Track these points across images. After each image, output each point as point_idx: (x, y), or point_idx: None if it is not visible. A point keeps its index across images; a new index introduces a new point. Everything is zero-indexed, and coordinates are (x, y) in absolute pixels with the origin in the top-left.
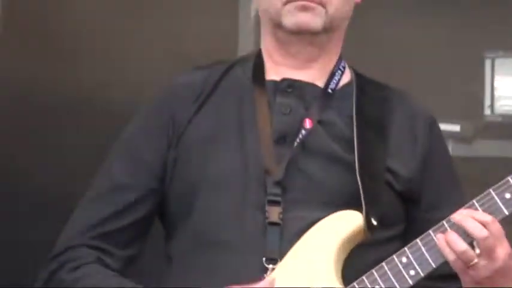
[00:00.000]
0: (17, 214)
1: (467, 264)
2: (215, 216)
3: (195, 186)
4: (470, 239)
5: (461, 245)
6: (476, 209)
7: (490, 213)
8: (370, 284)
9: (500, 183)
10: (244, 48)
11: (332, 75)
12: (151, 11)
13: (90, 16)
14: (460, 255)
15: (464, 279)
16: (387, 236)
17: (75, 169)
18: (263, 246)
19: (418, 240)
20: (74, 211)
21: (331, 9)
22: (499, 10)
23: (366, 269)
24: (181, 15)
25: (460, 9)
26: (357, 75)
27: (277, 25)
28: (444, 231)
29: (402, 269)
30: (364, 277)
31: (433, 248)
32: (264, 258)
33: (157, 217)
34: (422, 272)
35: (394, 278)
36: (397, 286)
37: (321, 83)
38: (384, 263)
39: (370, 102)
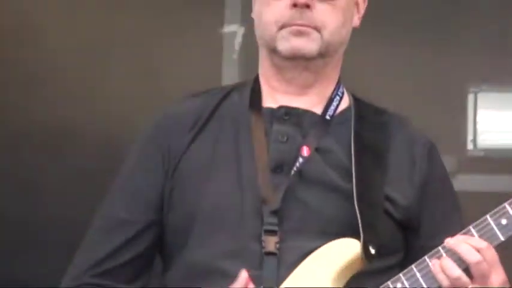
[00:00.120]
0: None
1: None
2: (212, 247)
3: (192, 216)
4: (465, 265)
5: (456, 271)
6: (472, 235)
7: (486, 239)
8: None
9: (497, 209)
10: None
11: (330, 101)
12: (135, 46)
13: (70, 50)
14: (454, 282)
15: None
16: (386, 265)
17: (48, 198)
18: (260, 276)
19: (413, 266)
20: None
21: (327, 34)
22: (481, 44)
23: None
24: (165, 50)
25: (444, 43)
26: (356, 100)
27: (273, 50)
28: (440, 257)
29: None
30: None
31: (428, 274)
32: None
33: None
34: None
35: None
36: None
37: (318, 109)
38: None
39: (369, 129)
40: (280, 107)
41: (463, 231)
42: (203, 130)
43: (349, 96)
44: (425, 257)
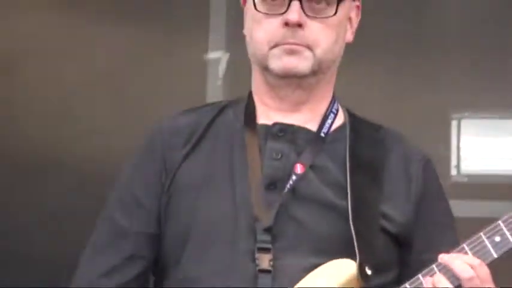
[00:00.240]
0: None
1: None
2: (205, 263)
3: (185, 233)
4: (458, 282)
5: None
6: (466, 252)
7: (479, 257)
8: None
9: (491, 227)
10: None
11: (324, 118)
12: (118, 72)
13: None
14: None
15: None
16: (382, 282)
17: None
18: None
19: (407, 284)
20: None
21: (319, 52)
22: (465, 71)
23: None
24: (149, 76)
25: (427, 69)
26: (351, 116)
27: (265, 68)
28: (433, 275)
29: None
30: None
31: None
32: None
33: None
34: None
35: None
36: None
37: (313, 126)
38: None
39: (364, 145)
40: (275, 124)
41: (457, 249)
42: (197, 146)
43: (344, 112)
44: (419, 275)
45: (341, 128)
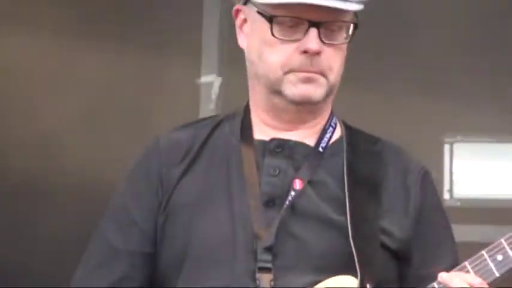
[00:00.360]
0: None
1: None
2: (203, 283)
3: (183, 252)
4: None
5: None
6: (468, 271)
7: (481, 275)
8: None
9: (493, 245)
10: None
11: (323, 133)
12: (112, 96)
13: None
14: None
15: None
16: None
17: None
18: None
19: None
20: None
21: (332, 77)
22: (457, 96)
23: None
24: (142, 100)
25: (419, 93)
26: (347, 129)
27: (276, 92)
28: None
29: None
30: None
31: None
32: None
33: None
34: None
35: None
36: None
37: (311, 141)
38: None
39: (362, 159)
40: (272, 140)
41: (458, 267)
42: (194, 162)
43: (341, 125)
44: None
45: (338, 141)
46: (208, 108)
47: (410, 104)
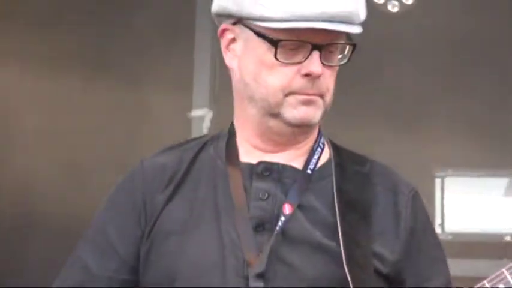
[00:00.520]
0: None
1: None
2: None
3: (171, 278)
4: None
5: None
6: None
7: None
8: None
9: (495, 275)
10: None
11: (311, 154)
12: (104, 129)
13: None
14: None
15: None
16: None
17: None
18: None
19: None
20: None
21: (328, 98)
22: (448, 130)
23: None
24: (134, 134)
25: (410, 127)
26: (335, 150)
27: (273, 115)
28: None
29: None
30: None
31: None
32: None
33: None
34: None
35: None
36: None
37: (298, 163)
38: None
39: (351, 181)
40: (260, 163)
41: None
42: (180, 188)
43: (329, 145)
44: None
45: (326, 164)
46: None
47: (401, 138)
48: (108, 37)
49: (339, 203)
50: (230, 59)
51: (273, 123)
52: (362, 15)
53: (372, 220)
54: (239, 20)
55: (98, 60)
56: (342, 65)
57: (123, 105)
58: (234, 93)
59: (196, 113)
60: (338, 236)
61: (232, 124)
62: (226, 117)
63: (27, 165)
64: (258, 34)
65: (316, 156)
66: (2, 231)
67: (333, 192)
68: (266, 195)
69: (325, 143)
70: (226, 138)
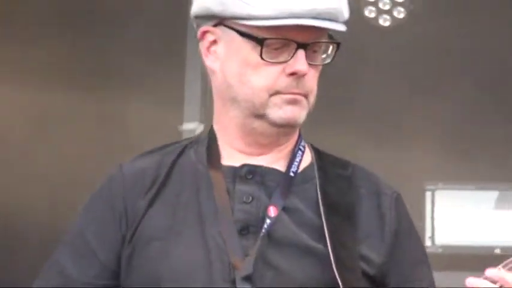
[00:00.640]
0: None
1: None
2: None
3: (156, 282)
4: None
5: None
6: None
7: None
8: None
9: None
10: None
11: (293, 157)
12: (93, 142)
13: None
14: None
15: None
16: None
17: None
18: None
19: None
20: None
21: (311, 99)
22: (438, 143)
23: None
24: (125, 147)
25: (401, 142)
26: (316, 153)
27: (258, 116)
28: None
29: None
30: None
31: None
32: None
33: None
34: None
35: None
36: None
37: (280, 165)
38: None
39: (334, 185)
40: (243, 166)
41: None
42: (161, 191)
43: (310, 149)
44: None
45: (309, 167)
46: None
47: (392, 152)
48: (98, 50)
49: (323, 205)
50: (211, 62)
51: (257, 124)
52: (346, 13)
53: (356, 223)
54: (221, 22)
55: (88, 73)
56: (325, 64)
57: (114, 118)
58: (215, 97)
59: (187, 126)
60: (325, 239)
61: (211, 128)
62: None
63: (14, 175)
64: (242, 34)
65: (298, 159)
66: None
67: (317, 195)
68: (250, 198)
69: (306, 146)
70: (206, 142)
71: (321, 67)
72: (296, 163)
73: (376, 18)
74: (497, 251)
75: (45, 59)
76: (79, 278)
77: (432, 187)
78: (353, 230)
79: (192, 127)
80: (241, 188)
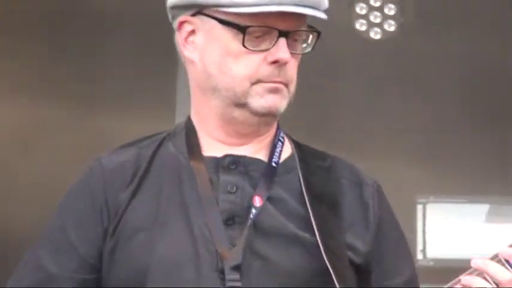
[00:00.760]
0: None
1: None
2: None
3: (142, 274)
4: None
5: None
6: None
7: None
8: None
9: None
10: None
11: (273, 147)
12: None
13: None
14: None
15: None
16: None
17: None
18: None
19: None
20: None
21: (292, 88)
22: (430, 156)
23: None
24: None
25: (392, 155)
26: (296, 146)
27: (239, 105)
28: None
29: None
30: None
31: None
32: None
33: None
34: None
35: None
36: None
37: (262, 156)
38: None
39: (316, 175)
40: (226, 156)
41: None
42: (143, 183)
43: (289, 141)
44: None
45: (290, 158)
46: None
47: (382, 165)
48: (89, 63)
49: (307, 195)
50: (190, 52)
51: (238, 113)
52: (326, 2)
53: (340, 212)
54: (199, 11)
55: (79, 86)
56: (304, 53)
57: (104, 130)
58: (193, 87)
59: None
60: (311, 228)
61: (189, 119)
62: None
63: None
64: (223, 22)
65: (278, 150)
66: None
67: (300, 185)
68: (234, 188)
69: (285, 138)
70: (183, 134)
71: (300, 56)
72: (277, 153)
73: (367, 31)
74: None
75: (32, 73)
76: (58, 272)
77: (423, 200)
78: (338, 220)
79: None
80: (225, 178)
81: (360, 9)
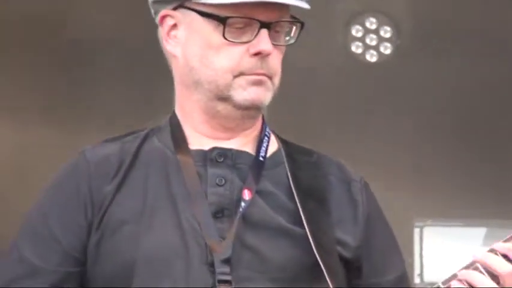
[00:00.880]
0: None
1: None
2: None
3: (129, 267)
4: None
5: None
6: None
7: None
8: None
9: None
10: None
11: (260, 142)
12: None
13: None
14: None
15: None
16: None
17: None
18: None
19: None
20: None
21: (276, 80)
22: (427, 179)
23: None
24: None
25: (390, 178)
26: (283, 142)
27: (222, 98)
28: None
29: None
30: None
31: None
32: None
33: None
34: None
35: None
36: None
37: (249, 150)
38: None
39: (303, 170)
40: (214, 149)
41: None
42: (128, 176)
43: (275, 137)
44: None
45: (277, 153)
46: None
47: (380, 188)
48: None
49: (296, 189)
50: (172, 47)
51: (221, 107)
52: None
53: (329, 207)
54: (181, 4)
55: (74, 102)
56: (288, 45)
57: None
58: (177, 82)
59: None
60: (301, 222)
61: (174, 114)
62: None
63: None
64: (203, 14)
65: (265, 144)
66: None
67: (288, 180)
68: (223, 180)
69: (271, 133)
70: (168, 129)
71: (284, 48)
72: (264, 148)
73: (363, 54)
74: None
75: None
76: (43, 265)
77: (421, 224)
78: (326, 215)
79: None
80: (213, 171)
81: (356, 31)
